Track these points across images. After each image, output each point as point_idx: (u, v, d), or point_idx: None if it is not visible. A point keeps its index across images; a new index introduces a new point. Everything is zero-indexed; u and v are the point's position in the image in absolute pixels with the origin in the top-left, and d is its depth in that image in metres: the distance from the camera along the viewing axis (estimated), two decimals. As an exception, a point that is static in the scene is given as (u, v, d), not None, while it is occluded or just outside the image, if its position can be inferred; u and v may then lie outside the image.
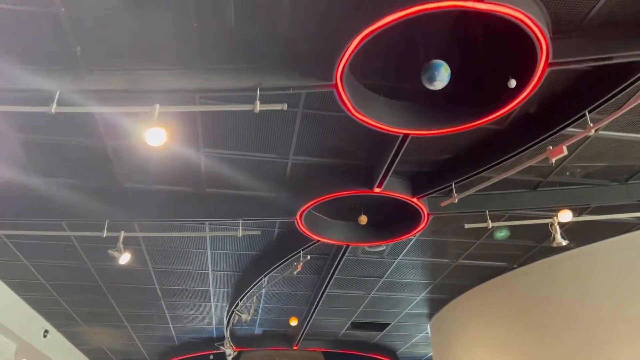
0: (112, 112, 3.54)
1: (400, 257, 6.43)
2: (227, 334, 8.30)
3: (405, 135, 3.79)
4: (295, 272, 5.71)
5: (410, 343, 10.33)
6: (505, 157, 4.06)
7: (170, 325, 9.11)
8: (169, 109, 3.31)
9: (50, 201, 4.91)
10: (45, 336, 8.69)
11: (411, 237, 5.86)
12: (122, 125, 3.78)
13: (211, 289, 7.35)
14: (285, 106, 3.27)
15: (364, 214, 5.18)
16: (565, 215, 4.47)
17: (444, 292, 7.58)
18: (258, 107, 3.23)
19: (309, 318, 8.32)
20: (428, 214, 4.98)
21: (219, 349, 9.73)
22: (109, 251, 4.88)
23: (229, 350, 8.14)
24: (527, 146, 3.91)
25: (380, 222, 5.51)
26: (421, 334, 9.72)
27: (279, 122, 4.01)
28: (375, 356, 10.64)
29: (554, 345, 5.89)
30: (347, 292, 7.61)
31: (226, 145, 4.29)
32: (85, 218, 5.07)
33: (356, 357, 11.69)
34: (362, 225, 5.42)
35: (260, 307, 8.19)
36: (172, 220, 5.15)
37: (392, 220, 5.45)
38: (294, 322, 5.80)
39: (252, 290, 6.76)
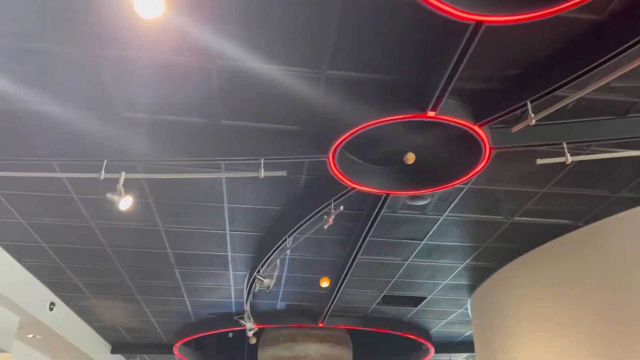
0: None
1: (446, 214, 5.55)
2: (247, 307, 7.53)
3: (478, 24, 2.90)
4: (326, 226, 4.87)
5: (446, 321, 9.46)
6: (604, 59, 3.13)
7: (186, 299, 8.38)
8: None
9: (37, 135, 4.14)
10: (51, 309, 8.03)
11: (463, 186, 4.97)
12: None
13: (229, 253, 6.56)
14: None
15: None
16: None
17: (492, 258, 6.67)
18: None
19: (336, 290, 7.50)
20: (490, 149, 4.09)
21: (239, 325, 9.01)
22: (108, 195, 4.10)
23: (250, 325, 7.38)
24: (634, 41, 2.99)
25: (428, 167, 4.63)
26: (459, 310, 8.84)
27: (313, 13, 3.14)
28: (407, 335, 9.79)
29: (634, 321, 4.94)
30: (380, 259, 6.76)
31: (244, 50, 3.41)
32: (78, 157, 4.29)
33: (386, 336, 10.90)
34: (408, 165, 4.57)
35: (284, 276, 7.39)
36: (183, 159, 4.33)
37: (443, 163, 4.56)
38: (325, 283, 5.03)
39: (274, 253, 5.95)
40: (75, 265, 6.99)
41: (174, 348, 10.81)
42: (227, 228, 5.88)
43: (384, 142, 4.53)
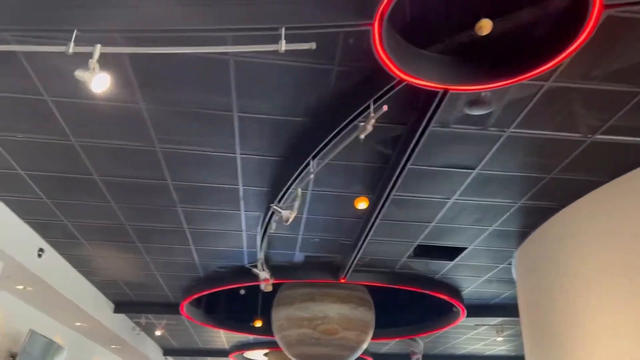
0: None
1: (511, 129, 4.43)
2: (261, 254, 6.53)
3: None
4: (362, 136, 3.79)
5: (483, 279, 8.41)
6: None
7: (192, 247, 7.41)
8: None
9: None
10: (40, 256, 7.11)
11: (542, 82, 3.83)
12: None
13: (240, 186, 5.52)
14: None
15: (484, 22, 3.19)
16: None
17: (555, 194, 5.53)
18: None
19: (364, 237, 6.47)
20: (601, 7, 2.94)
21: (252, 279, 8.08)
22: (76, 72, 3.04)
23: (264, 274, 6.39)
24: None
25: (503, 51, 3.51)
26: (501, 266, 7.77)
27: None
28: (438, 294, 8.76)
29: None
30: (419, 196, 5.69)
31: None
32: (39, 25, 3.23)
33: (411, 297, 9.97)
34: (474, 54, 3.48)
35: (303, 219, 6.36)
36: (174, 31, 3.25)
37: (526, 41, 3.43)
38: (362, 204, 3.94)
39: (295, 182, 4.91)
40: (61, 201, 6.01)
41: (180, 307, 9.94)
42: (238, 149, 4.82)
43: (444, 18, 3.43)
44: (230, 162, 5.05)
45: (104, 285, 9.42)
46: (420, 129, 4.22)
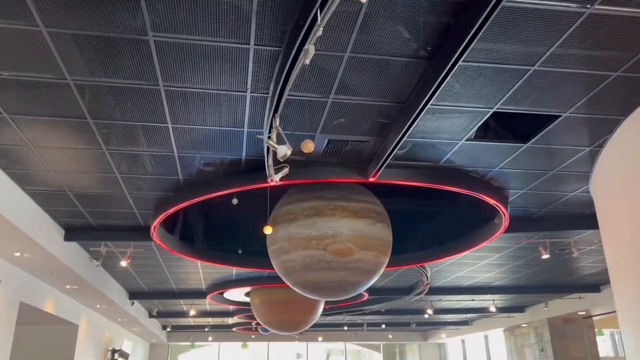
0: None
1: None
2: (275, 121, 4.36)
3: None
4: None
5: (551, 173, 6.54)
6: None
7: (169, 126, 5.18)
8: None
9: None
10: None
11: None
12: None
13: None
14: None
15: None
16: None
17: None
18: None
19: (422, 103, 4.40)
20: None
21: (254, 179, 6.03)
22: None
23: (284, 149, 4.27)
24: None
25: None
26: (585, 150, 5.90)
27: None
28: (483, 197, 6.83)
29: None
30: (534, 3, 3.61)
31: None
32: None
33: (429, 214, 8.18)
34: None
35: (345, 60, 4.21)
36: None
37: None
38: None
39: None
40: (-47, 22, 3.65)
41: (151, 230, 7.77)
42: None
43: None
44: None
45: (48, 200, 7.11)
46: None
